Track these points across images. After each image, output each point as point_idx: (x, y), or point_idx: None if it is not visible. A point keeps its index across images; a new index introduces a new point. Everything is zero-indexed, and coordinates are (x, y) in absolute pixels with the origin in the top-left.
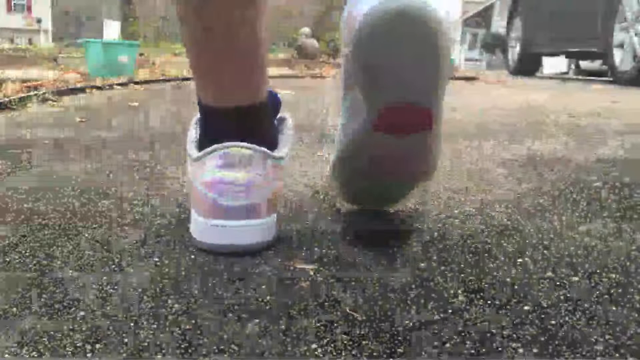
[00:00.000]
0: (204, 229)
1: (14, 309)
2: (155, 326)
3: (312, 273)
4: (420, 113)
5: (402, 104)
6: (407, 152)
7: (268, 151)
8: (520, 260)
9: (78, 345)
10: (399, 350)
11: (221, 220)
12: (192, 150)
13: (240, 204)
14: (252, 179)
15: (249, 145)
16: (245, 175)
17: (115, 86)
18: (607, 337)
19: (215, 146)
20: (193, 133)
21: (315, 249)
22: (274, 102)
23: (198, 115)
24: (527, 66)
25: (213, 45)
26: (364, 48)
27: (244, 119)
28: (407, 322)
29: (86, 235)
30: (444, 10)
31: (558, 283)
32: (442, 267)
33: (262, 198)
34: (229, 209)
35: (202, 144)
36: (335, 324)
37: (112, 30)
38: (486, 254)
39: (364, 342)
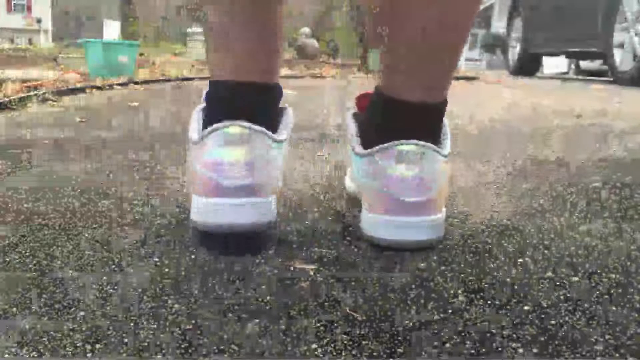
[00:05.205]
0: (203, 208)
1: (14, 309)
2: (155, 326)
3: (312, 273)
4: None
5: None
6: None
7: (268, 132)
8: (520, 260)
9: (78, 345)
10: (399, 350)
11: (221, 199)
12: (194, 134)
13: (241, 183)
14: (252, 159)
15: (250, 125)
16: (245, 154)
17: (115, 86)
18: (607, 337)
19: (215, 125)
20: (195, 118)
21: (315, 249)
22: (279, 92)
23: (202, 104)
24: (527, 66)
25: (238, 19)
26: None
27: (253, 97)
28: (407, 322)
29: (86, 235)
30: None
31: (558, 283)
32: (442, 267)
33: (261, 179)
34: (230, 188)
35: (205, 128)
36: (335, 324)
37: (112, 30)
38: (486, 254)
39: (364, 342)
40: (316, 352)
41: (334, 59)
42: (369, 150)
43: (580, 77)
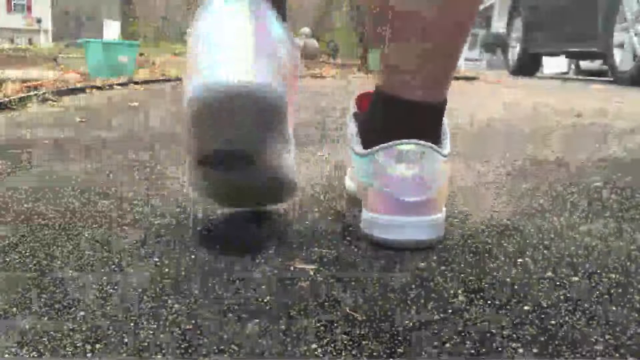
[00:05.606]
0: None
1: (14, 309)
2: (155, 326)
3: (312, 273)
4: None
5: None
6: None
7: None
8: (520, 260)
9: (78, 345)
10: (399, 350)
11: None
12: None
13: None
14: None
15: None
16: None
17: (115, 86)
18: (607, 337)
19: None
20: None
21: (315, 249)
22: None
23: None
24: (527, 66)
25: None
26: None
27: None
28: (407, 322)
29: (86, 235)
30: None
31: (558, 283)
32: (442, 267)
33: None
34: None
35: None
36: (335, 324)
37: (112, 30)
38: (486, 254)
39: (364, 342)
40: (316, 352)
41: (334, 59)
42: (369, 149)
43: (580, 77)
